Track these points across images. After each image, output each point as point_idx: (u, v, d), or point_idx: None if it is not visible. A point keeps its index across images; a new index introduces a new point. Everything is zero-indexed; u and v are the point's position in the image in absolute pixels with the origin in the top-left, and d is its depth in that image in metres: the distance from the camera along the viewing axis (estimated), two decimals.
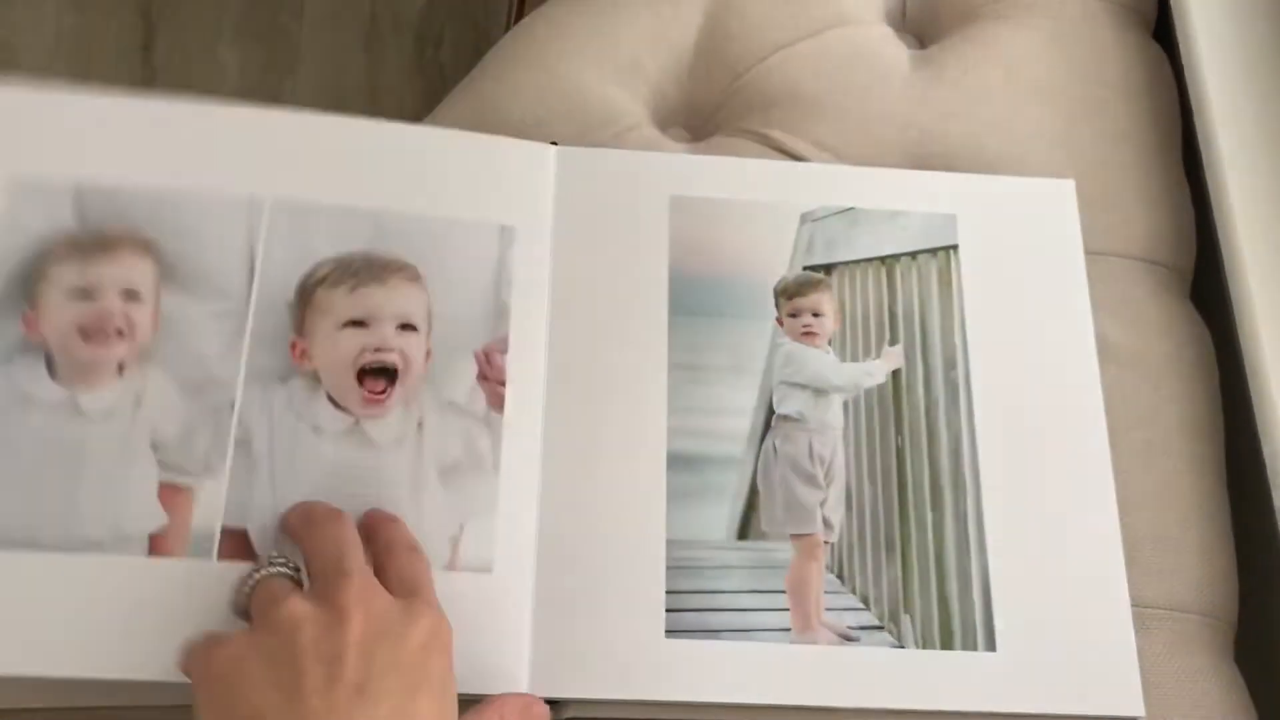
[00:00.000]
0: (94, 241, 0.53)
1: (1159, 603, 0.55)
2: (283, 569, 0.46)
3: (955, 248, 0.58)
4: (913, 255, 0.58)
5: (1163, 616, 0.54)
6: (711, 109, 0.68)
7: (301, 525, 0.48)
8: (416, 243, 0.55)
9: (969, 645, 0.51)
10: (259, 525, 0.50)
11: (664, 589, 0.51)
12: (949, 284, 0.57)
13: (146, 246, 0.53)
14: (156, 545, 0.49)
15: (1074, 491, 0.54)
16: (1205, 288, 0.64)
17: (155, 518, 0.49)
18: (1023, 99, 0.65)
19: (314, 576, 0.45)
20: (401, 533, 0.49)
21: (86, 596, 0.47)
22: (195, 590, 0.48)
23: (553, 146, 0.58)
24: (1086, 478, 0.54)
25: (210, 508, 0.49)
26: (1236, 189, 0.59)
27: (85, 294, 0.52)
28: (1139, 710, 0.50)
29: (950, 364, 0.56)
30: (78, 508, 0.49)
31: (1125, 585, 0.52)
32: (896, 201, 0.59)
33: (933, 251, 0.58)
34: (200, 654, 0.44)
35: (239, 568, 0.47)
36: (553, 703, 0.50)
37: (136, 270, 0.52)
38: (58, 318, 0.51)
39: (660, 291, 0.56)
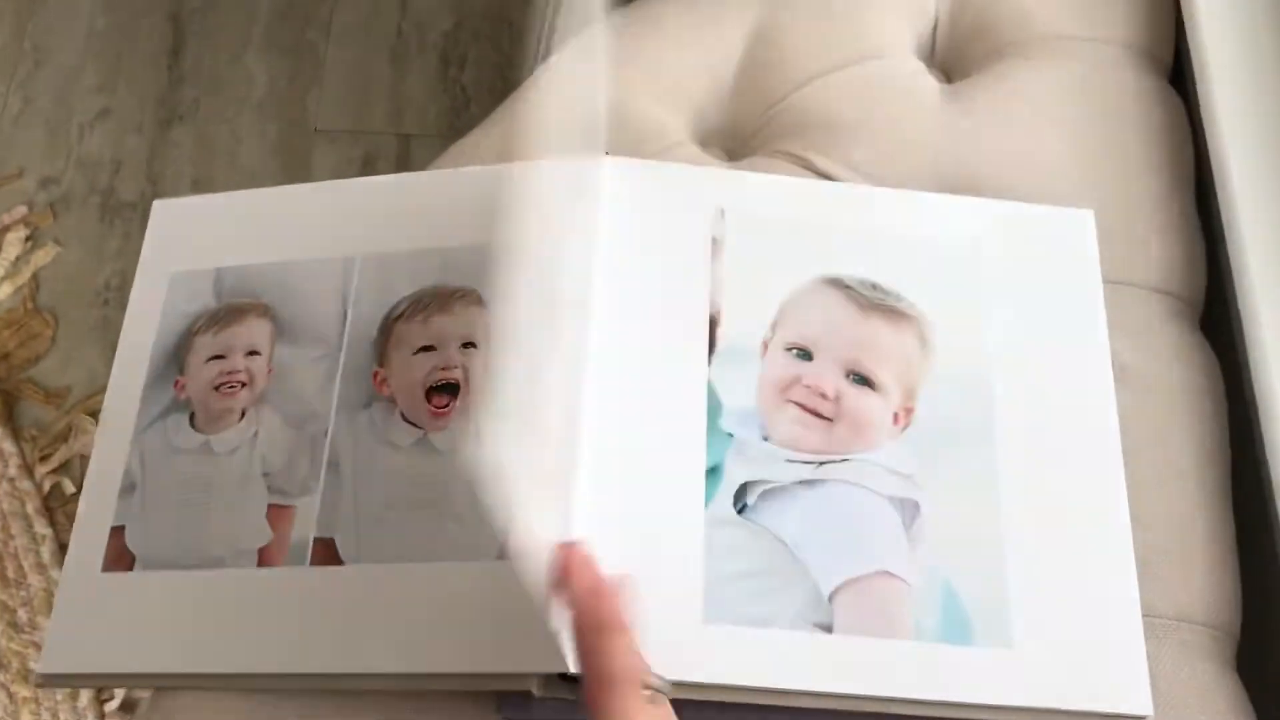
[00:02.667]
0: (227, 313, 0.62)
1: (1168, 614, 0.57)
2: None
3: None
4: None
5: (1171, 627, 0.57)
6: (750, 132, 0.72)
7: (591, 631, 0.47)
8: (478, 270, 0.59)
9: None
10: (343, 534, 0.56)
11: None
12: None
13: (265, 310, 0.61)
14: (264, 557, 0.56)
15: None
16: (1213, 319, 0.68)
17: (264, 534, 0.56)
18: (1046, 135, 0.68)
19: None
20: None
21: (211, 604, 0.56)
22: (294, 593, 0.55)
23: (605, 157, 0.61)
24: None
25: (306, 521, 0.56)
26: (1248, 227, 0.62)
27: (219, 356, 0.61)
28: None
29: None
30: (208, 531, 0.57)
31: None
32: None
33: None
34: None
35: (332, 572, 0.55)
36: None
37: (258, 331, 0.61)
38: (199, 378, 0.60)
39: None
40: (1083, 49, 0.71)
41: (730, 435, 0.56)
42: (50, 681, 0.57)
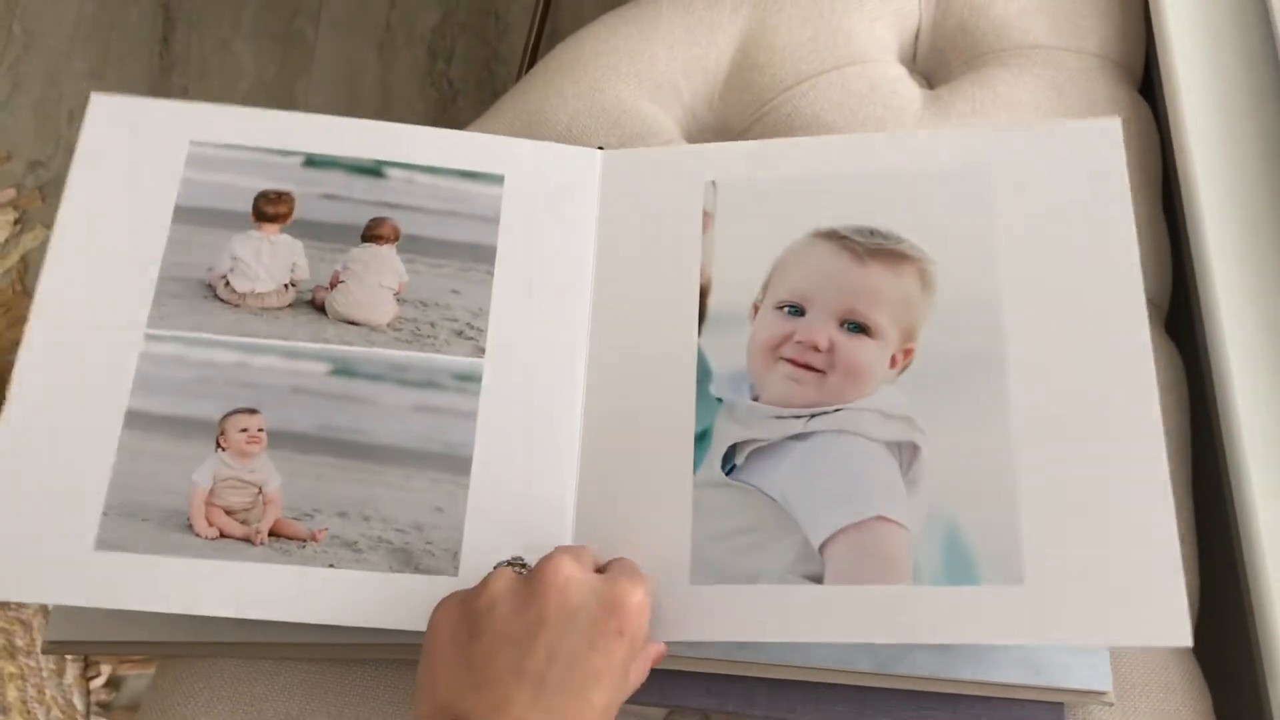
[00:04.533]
0: None
1: None
2: (520, 569, 0.50)
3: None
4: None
5: None
6: (738, 131, 0.74)
7: None
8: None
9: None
10: None
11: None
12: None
13: None
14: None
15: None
16: (1176, 321, 0.71)
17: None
18: None
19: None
20: None
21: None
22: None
23: (599, 151, 0.64)
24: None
25: None
26: (1212, 232, 0.65)
27: None
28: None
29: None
30: None
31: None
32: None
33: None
34: (437, 607, 0.48)
35: None
36: None
37: None
38: None
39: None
40: (1058, 59, 0.74)
41: (719, 401, 0.57)
42: (56, 648, 0.58)
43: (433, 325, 0.59)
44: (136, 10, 1.45)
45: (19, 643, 1.12)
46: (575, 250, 0.61)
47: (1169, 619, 0.50)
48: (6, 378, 1.31)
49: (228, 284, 0.59)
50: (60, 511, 0.54)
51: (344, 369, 0.58)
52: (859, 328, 0.57)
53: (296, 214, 0.61)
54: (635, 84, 0.73)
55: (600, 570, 0.51)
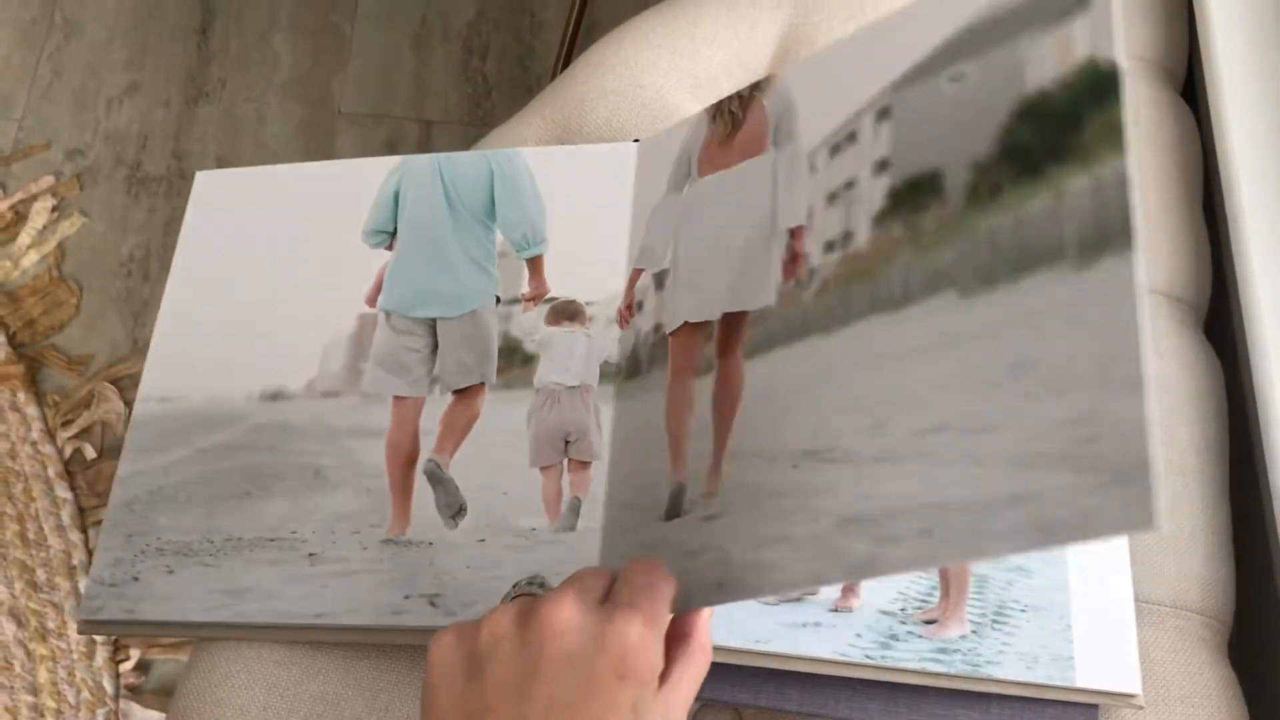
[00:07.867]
0: None
1: (1166, 601, 0.60)
2: (534, 590, 0.49)
3: None
4: None
5: (1169, 614, 0.60)
6: None
7: None
8: None
9: None
10: None
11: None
12: None
13: None
14: None
15: None
16: (1215, 323, 0.70)
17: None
18: None
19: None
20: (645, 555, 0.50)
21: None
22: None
23: (634, 144, 0.64)
24: None
25: None
26: (1254, 236, 0.65)
27: None
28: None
29: None
30: None
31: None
32: None
33: None
34: (434, 639, 0.46)
35: None
36: None
37: None
38: None
39: None
40: None
41: None
42: (90, 628, 0.59)
43: None
44: (175, 1, 1.47)
45: (50, 625, 1.14)
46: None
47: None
48: (40, 364, 1.32)
49: None
50: None
51: None
52: None
53: None
54: (677, 79, 0.73)
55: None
